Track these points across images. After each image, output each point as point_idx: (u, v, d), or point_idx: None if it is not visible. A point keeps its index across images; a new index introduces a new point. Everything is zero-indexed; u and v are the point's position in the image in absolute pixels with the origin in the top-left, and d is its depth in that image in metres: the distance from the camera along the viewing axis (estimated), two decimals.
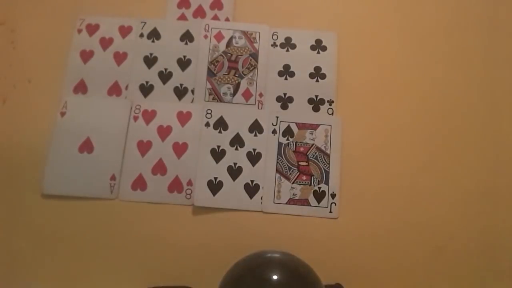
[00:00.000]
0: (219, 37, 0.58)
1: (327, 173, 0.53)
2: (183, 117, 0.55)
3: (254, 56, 0.58)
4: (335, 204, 0.52)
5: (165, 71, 0.57)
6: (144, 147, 0.54)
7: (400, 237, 0.51)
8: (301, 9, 0.60)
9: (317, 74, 0.57)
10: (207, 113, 0.55)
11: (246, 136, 0.54)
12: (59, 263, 0.50)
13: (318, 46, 0.58)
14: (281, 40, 0.59)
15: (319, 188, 0.52)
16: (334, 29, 0.59)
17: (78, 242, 0.50)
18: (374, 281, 0.49)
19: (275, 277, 0.43)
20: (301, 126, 0.55)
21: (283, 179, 0.53)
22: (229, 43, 0.58)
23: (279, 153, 0.54)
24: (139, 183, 0.52)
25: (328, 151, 0.54)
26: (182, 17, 0.60)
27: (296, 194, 0.52)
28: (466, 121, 0.55)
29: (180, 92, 0.56)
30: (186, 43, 0.58)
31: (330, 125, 0.55)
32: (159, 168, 0.53)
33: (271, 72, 0.57)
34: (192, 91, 0.56)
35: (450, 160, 0.54)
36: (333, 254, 0.50)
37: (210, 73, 0.57)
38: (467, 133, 0.55)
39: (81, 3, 0.60)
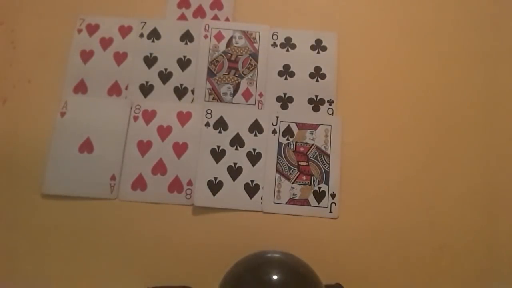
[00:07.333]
0: (219, 37, 0.58)
1: (327, 173, 0.53)
2: (183, 117, 0.55)
3: (254, 56, 0.58)
4: (335, 204, 0.52)
5: (165, 71, 0.57)
6: (144, 147, 0.54)
7: (400, 237, 0.51)
8: (301, 9, 0.60)
9: (317, 74, 0.57)
10: (207, 113, 0.55)
11: (246, 136, 0.54)
12: (59, 263, 0.50)
13: (318, 46, 0.58)
14: (281, 40, 0.58)
15: (319, 188, 0.52)
16: (334, 29, 0.59)
17: (78, 242, 0.50)
18: (374, 281, 0.49)
19: (275, 277, 0.43)
20: (301, 126, 0.55)
21: (283, 179, 0.53)
22: (229, 43, 0.58)
23: (279, 153, 0.54)
24: (139, 183, 0.52)
25: (328, 151, 0.54)
26: (182, 17, 0.60)
27: (296, 194, 0.52)
28: (466, 120, 0.55)
29: (180, 92, 0.56)
30: (186, 43, 0.58)
31: (330, 125, 0.55)
32: (159, 168, 0.53)
33: (271, 72, 0.57)
34: (192, 91, 0.56)
35: (450, 160, 0.54)
36: (333, 254, 0.50)
37: (210, 73, 0.57)
38: (467, 133, 0.55)
39: (81, 3, 0.60)
